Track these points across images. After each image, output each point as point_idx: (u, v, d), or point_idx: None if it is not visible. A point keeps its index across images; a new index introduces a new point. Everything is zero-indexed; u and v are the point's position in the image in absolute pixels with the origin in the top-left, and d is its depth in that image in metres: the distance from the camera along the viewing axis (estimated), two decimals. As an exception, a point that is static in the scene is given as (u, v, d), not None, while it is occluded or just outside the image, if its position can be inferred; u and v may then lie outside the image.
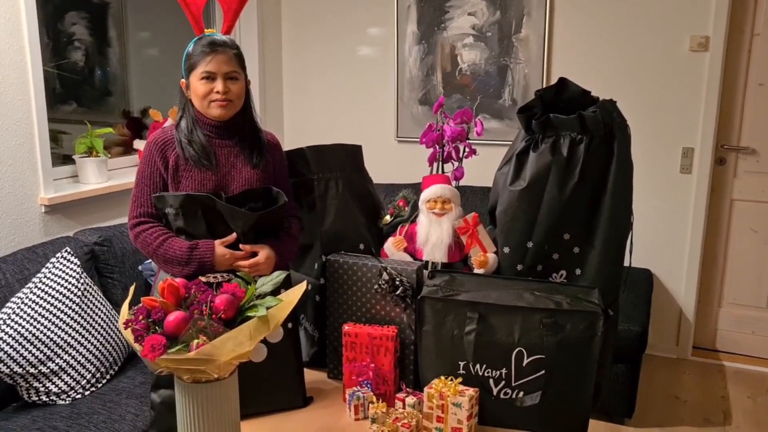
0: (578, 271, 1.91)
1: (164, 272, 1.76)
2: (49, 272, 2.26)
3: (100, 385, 2.25)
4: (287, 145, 4.15)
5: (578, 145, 1.81)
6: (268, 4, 4.04)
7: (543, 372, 1.68)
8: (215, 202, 1.69)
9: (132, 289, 1.49)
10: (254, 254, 1.73)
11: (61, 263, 2.30)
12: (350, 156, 2.09)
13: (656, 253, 3.54)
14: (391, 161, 3.96)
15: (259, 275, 1.60)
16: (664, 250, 3.53)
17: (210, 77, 1.70)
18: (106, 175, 2.98)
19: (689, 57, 3.32)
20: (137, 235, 1.73)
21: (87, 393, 2.20)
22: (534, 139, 1.86)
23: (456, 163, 2.15)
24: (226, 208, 1.70)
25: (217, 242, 1.70)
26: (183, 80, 1.77)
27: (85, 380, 2.20)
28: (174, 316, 1.34)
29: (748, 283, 3.54)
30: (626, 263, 1.94)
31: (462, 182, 2.18)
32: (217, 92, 1.70)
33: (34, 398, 2.13)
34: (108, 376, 2.30)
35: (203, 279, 1.48)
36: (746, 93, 3.37)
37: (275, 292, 1.49)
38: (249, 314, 1.40)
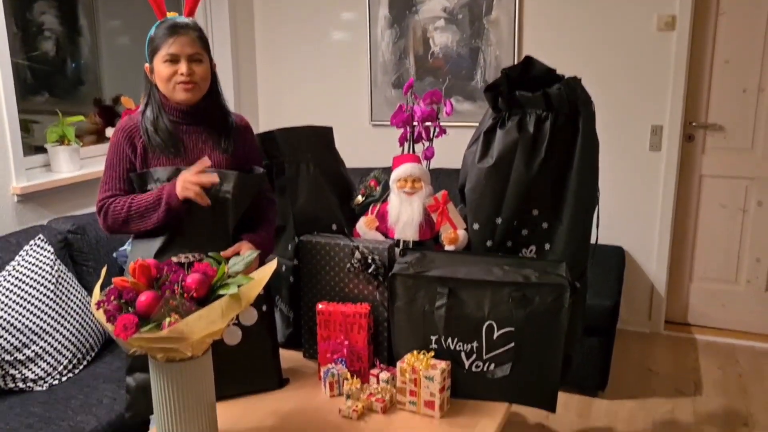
0: (547, 246, 1.95)
1: (136, 241, 1.76)
2: (23, 260, 2.25)
3: (77, 371, 2.26)
4: (262, 130, 4.16)
5: (544, 122, 1.84)
6: (239, -10, 4.02)
7: (513, 344, 1.72)
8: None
9: (104, 271, 1.50)
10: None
11: (34, 251, 2.30)
12: (321, 137, 2.10)
13: (627, 230, 3.60)
14: (365, 145, 3.97)
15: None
16: (635, 227, 3.59)
17: (173, 60, 1.70)
18: (79, 163, 2.96)
19: (656, 36, 3.37)
20: (106, 212, 1.72)
21: (64, 379, 2.21)
22: (501, 117, 1.89)
23: (426, 143, 2.18)
24: (216, 172, 1.72)
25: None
26: (147, 65, 1.77)
27: (62, 366, 2.21)
28: (146, 296, 1.36)
29: (717, 257, 3.62)
30: (594, 237, 1.98)
31: (436, 164, 2.21)
32: (182, 74, 1.70)
33: (11, 385, 2.13)
34: (85, 362, 2.30)
35: (174, 259, 1.49)
36: (713, 70, 3.43)
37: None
38: (221, 293, 1.42)
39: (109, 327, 1.33)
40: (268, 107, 4.30)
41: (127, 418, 1.71)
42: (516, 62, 3.57)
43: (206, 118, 1.81)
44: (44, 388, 2.15)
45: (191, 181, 1.64)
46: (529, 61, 1.92)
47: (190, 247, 1.72)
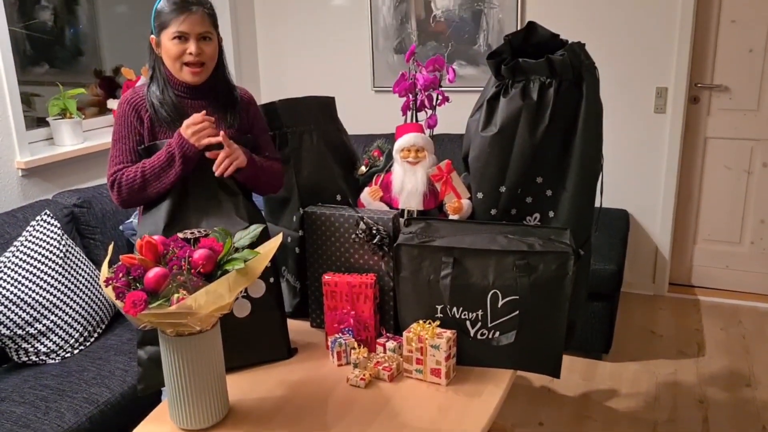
0: (551, 213, 1.96)
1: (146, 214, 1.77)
2: (30, 235, 2.27)
3: (88, 344, 2.29)
4: (264, 99, 4.14)
5: (548, 88, 1.83)
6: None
7: (517, 312, 1.73)
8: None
9: (110, 248, 1.51)
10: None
11: (41, 226, 2.31)
12: (323, 107, 2.09)
13: (632, 193, 3.60)
14: (368, 111, 3.95)
15: (238, 166, 1.69)
16: (640, 190, 3.59)
17: (182, 37, 1.68)
18: (82, 136, 2.96)
19: (662, -4, 3.32)
20: (120, 183, 1.71)
21: (76, 352, 2.24)
22: (504, 85, 1.87)
23: (429, 111, 2.17)
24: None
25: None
26: (153, 36, 1.75)
27: (73, 339, 2.24)
28: (154, 273, 1.37)
29: (722, 219, 3.62)
30: (597, 203, 1.98)
31: (438, 130, 2.20)
32: (190, 53, 1.69)
33: (24, 359, 2.17)
34: (96, 335, 2.34)
35: (180, 235, 1.50)
36: (719, 30, 3.38)
37: (253, 245, 1.53)
38: (227, 267, 1.43)
39: (119, 303, 1.35)
40: (270, 76, 4.27)
41: (140, 391, 1.74)
42: (519, 25, 3.55)
43: (212, 93, 1.80)
44: (57, 361, 2.19)
45: (195, 122, 1.66)
46: (532, 26, 1.90)
47: (199, 209, 1.72)
